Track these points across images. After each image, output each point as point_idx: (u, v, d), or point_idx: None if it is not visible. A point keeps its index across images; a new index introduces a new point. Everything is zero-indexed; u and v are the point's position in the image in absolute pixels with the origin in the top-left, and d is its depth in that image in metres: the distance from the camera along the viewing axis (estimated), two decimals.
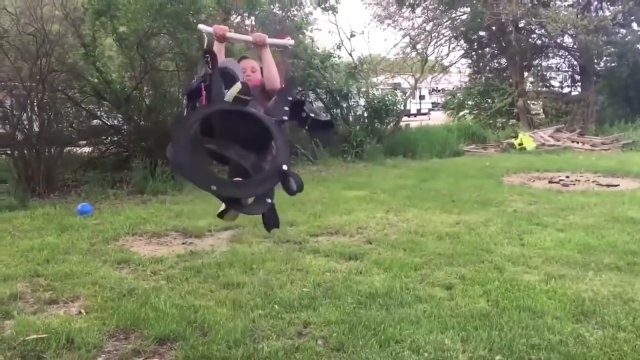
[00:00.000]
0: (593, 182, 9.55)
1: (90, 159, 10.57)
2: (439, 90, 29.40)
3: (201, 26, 3.35)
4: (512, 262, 4.89)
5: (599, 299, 3.98)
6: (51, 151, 9.21)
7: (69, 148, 10.13)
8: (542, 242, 5.51)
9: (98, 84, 10.02)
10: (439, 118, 24.73)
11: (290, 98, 3.14)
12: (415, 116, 28.47)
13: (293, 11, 13.67)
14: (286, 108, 3.09)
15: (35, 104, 9.03)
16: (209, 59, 3.05)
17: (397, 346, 3.28)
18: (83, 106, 10.44)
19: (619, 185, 9.12)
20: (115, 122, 10.91)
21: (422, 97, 33.64)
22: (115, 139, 11.10)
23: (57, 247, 5.51)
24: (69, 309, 3.95)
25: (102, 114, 10.94)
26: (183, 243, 5.76)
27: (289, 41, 3.42)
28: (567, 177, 10.05)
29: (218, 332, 3.44)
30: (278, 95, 3.18)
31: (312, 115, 3.26)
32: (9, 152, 9.20)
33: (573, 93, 20.85)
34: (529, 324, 3.55)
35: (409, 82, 18.93)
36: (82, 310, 3.89)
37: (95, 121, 10.93)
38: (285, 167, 2.83)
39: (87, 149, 11.08)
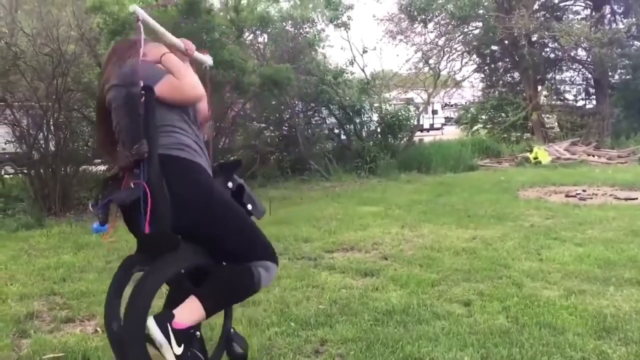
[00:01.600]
0: (610, 195, 9.44)
1: (106, 178, 10.63)
2: (451, 105, 29.39)
3: (135, 8, 2.46)
4: (530, 278, 4.82)
5: (621, 314, 3.89)
6: (67, 170, 9.29)
7: (84, 167, 10.22)
8: (560, 257, 5.43)
9: None
10: (452, 133, 24.67)
11: (230, 185, 2.60)
12: (428, 131, 28.46)
13: (305, 28, 13.78)
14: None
15: (51, 123, 9.13)
16: (148, 100, 2.31)
17: None
18: None
19: (637, 198, 9.00)
20: None
21: (435, 112, 33.67)
22: None
23: (73, 265, 5.53)
24: (85, 328, 3.95)
25: None
26: None
27: (209, 59, 2.85)
28: (584, 190, 9.95)
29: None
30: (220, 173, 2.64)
31: (249, 207, 2.67)
32: (25, 171, 9.30)
33: (588, 106, 20.71)
34: (550, 341, 3.48)
35: (421, 97, 18.97)
36: (99, 329, 3.88)
37: None
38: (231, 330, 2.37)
39: (102, 168, 11.16)
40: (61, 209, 8.73)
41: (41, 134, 9.16)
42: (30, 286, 4.88)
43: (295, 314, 4.01)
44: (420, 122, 18.94)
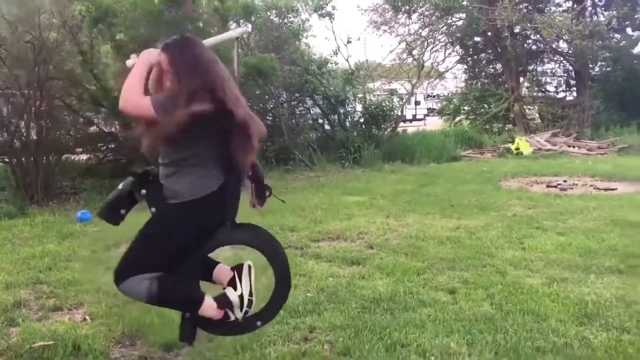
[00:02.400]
0: (590, 186, 9.59)
1: (88, 166, 10.55)
2: (434, 96, 29.50)
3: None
4: (514, 266, 4.91)
5: (601, 301, 4.00)
6: (49, 159, 9.18)
7: (66, 155, 10.11)
8: (542, 246, 5.53)
9: (96, 91, 10.01)
10: (435, 123, 24.79)
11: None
12: (411, 122, 28.54)
13: (290, 18, 13.73)
14: None
15: (32, 111, 9.00)
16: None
17: (403, 350, 3.29)
18: (80, 113, 10.42)
19: (616, 189, 9.17)
20: (113, 129, 10.90)
21: (417, 103, 33.77)
22: (113, 146, 11.07)
23: (58, 254, 5.50)
24: (73, 316, 3.95)
25: (100, 121, 10.92)
26: None
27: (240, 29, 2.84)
28: (565, 181, 10.10)
29: (225, 337, 3.43)
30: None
31: None
32: (6, 159, 9.18)
33: (568, 98, 20.95)
34: (533, 327, 3.57)
35: (405, 88, 19.02)
36: (87, 317, 3.89)
37: (92, 128, 10.91)
38: None
39: (84, 156, 11.06)
40: (44, 197, 8.63)
41: (22, 122, 9.04)
42: (15, 275, 4.85)
43: None
44: (403, 113, 18.99)
